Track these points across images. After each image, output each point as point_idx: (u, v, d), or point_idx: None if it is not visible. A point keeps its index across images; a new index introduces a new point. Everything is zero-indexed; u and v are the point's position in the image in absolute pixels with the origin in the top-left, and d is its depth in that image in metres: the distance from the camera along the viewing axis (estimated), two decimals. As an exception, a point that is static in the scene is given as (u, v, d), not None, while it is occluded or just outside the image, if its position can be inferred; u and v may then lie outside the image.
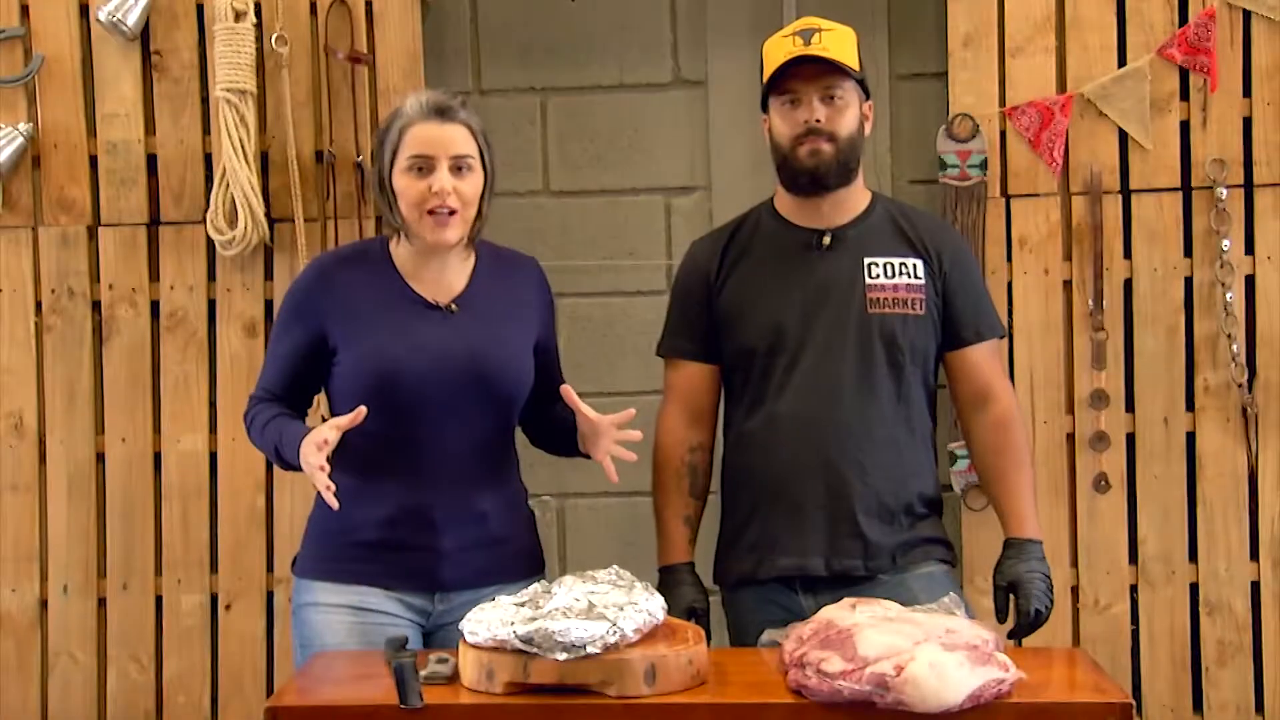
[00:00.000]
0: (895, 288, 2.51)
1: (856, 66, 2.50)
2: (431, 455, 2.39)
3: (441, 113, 2.38)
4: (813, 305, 2.51)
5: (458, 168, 2.37)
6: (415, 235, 2.41)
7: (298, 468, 2.33)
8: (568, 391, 2.38)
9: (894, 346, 2.50)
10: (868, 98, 2.55)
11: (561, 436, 2.50)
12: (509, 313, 2.48)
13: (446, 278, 2.45)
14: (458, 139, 2.38)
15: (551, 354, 2.55)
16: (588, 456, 2.45)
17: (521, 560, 2.49)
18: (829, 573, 2.46)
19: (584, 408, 2.37)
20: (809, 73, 2.47)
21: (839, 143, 2.48)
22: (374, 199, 2.49)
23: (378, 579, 2.40)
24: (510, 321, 2.47)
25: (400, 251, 2.46)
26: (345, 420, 2.28)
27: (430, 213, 2.36)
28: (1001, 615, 2.46)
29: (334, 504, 2.25)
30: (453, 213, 2.36)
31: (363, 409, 2.28)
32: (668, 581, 2.54)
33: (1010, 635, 2.45)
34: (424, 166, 2.36)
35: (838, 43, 2.47)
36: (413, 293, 2.43)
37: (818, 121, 2.47)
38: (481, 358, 2.40)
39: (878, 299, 2.50)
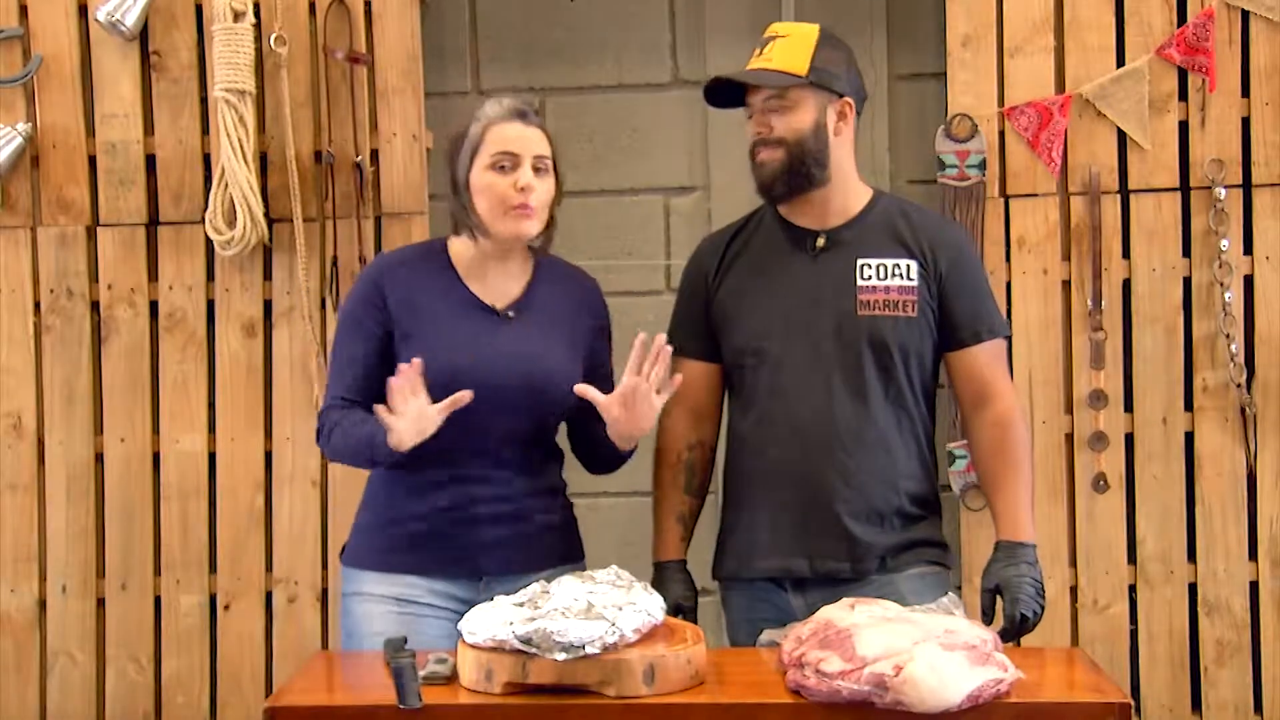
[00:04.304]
0: (887, 289, 2.50)
1: (805, 67, 2.45)
2: (477, 452, 2.41)
3: (522, 115, 2.43)
4: (804, 307, 2.50)
5: (536, 169, 2.41)
6: (494, 233, 2.42)
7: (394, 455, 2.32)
8: (582, 389, 2.37)
9: (883, 349, 2.48)
10: (841, 95, 2.50)
11: (602, 451, 2.52)
12: (562, 324, 2.50)
13: (505, 282, 2.47)
14: (538, 140, 2.43)
15: (599, 376, 2.52)
16: (626, 457, 2.50)
17: (559, 551, 2.52)
18: (814, 574, 2.47)
19: (593, 393, 2.37)
20: (755, 84, 2.49)
21: (788, 145, 2.47)
22: (450, 202, 2.47)
23: (423, 568, 2.43)
24: (562, 332, 2.49)
25: (461, 253, 2.48)
26: (446, 405, 2.28)
27: (513, 208, 2.38)
28: (988, 618, 2.44)
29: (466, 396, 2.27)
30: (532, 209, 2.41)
31: (464, 394, 2.28)
32: (658, 578, 2.56)
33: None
34: (507, 164, 2.39)
35: (785, 50, 2.47)
36: (471, 295, 2.45)
37: (766, 130, 2.49)
38: (534, 365, 2.43)
39: (869, 301, 2.49)
